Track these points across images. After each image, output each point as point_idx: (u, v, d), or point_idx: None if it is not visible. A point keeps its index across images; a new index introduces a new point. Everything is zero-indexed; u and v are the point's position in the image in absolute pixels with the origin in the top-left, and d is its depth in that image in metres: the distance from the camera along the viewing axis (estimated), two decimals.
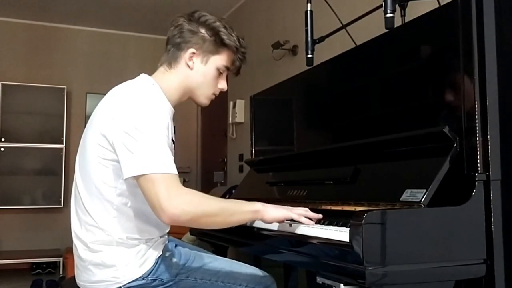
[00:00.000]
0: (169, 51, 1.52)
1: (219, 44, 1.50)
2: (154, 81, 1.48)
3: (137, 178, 1.29)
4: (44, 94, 5.20)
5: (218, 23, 1.50)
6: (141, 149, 1.29)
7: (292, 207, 1.45)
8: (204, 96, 1.55)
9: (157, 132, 1.32)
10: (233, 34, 1.53)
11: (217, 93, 1.58)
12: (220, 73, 1.54)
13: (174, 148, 1.48)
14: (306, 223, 1.41)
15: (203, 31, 1.49)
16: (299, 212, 1.43)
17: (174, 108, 1.52)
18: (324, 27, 2.22)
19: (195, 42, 1.48)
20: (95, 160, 1.39)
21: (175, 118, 1.54)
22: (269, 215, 1.40)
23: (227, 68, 1.55)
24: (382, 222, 1.15)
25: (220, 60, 1.52)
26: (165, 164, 1.29)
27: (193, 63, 1.50)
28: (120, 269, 1.38)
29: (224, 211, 1.36)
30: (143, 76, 1.51)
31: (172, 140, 1.46)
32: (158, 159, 1.28)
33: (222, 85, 1.57)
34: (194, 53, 1.49)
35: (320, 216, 1.45)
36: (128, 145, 1.30)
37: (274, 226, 1.55)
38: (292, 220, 1.44)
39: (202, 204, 1.32)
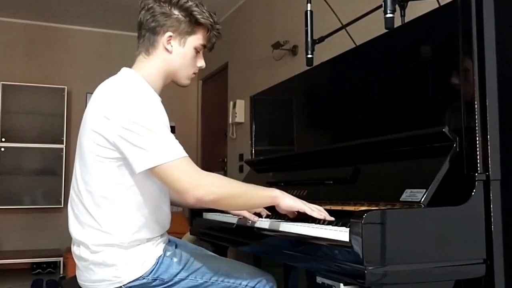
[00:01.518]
0: (143, 36, 1.51)
1: (194, 24, 1.50)
2: (136, 73, 1.48)
3: (151, 169, 1.31)
4: (44, 94, 5.20)
5: (190, 3, 1.50)
6: (148, 141, 1.30)
7: (307, 203, 1.47)
8: (185, 77, 1.56)
9: (156, 120, 1.34)
10: (205, 11, 1.53)
11: (197, 71, 1.59)
12: (197, 52, 1.55)
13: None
14: (319, 216, 1.44)
15: (176, 12, 1.48)
16: (312, 207, 1.45)
17: (160, 95, 1.52)
18: (324, 27, 2.22)
19: (171, 25, 1.48)
20: (95, 160, 1.39)
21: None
22: (285, 202, 1.44)
23: (204, 46, 1.56)
24: (382, 222, 1.15)
25: (197, 39, 1.52)
26: (175, 150, 1.32)
27: (171, 46, 1.49)
28: (121, 268, 1.38)
29: (245, 194, 1.41)
30: (124, 70, 1.50)
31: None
32: (168, 147, 1.31)
33: (201, 63, 1.57)
34: (171, 36, 1.48)
35: (332, 218, 1.45)
36: (133, 140, 1.31)
37: (275, 226, 1.55)
38: (305, 213, 1.45)
39: (226, 186, 1.38)
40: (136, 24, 1.53)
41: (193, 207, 2.08)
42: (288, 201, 1.44)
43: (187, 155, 1.34)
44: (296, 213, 1.50)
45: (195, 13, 1.49)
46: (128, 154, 1.33)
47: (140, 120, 1.32)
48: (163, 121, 1.36)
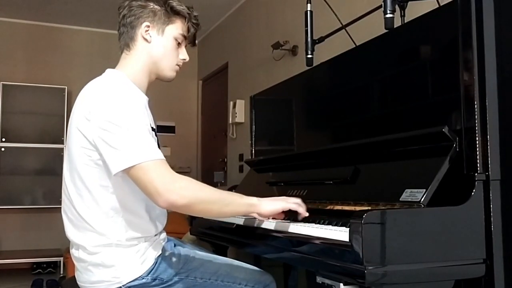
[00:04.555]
0: (123, 33, 1.53)
1: (170, 13, 1.51)
2: (120, 72, 1.49)
3: (127, 171, 1.29)
4: (44, 94, 5.20)
5: None
6: (124, 142, 1.29)
7: (288, 197, 1.47)
8: (169, 68, 1.55)
9: (134, 122, 1.32)
10: (181, 3, 1.55)
11: (180, 64, 1.58)
12: (178, 43, 1.55)
13: (156, 135, 1.49)
14: (303, 213, 1.45)
15: (151, 4, 1.50)
16: (296, 202, 1.46)
17: (149, 94, 1.52)
18: (324, 27, 2.22)
19: (147, 16, 1.50)
20: (82, 162, 1.38)
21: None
22: (265, 209, 1.42)
23: (184, 37, 1.56)
24: (382, 222, 1.15)
25: (175, 29, 1.52)
26: (151, 151, 1.29)
27: (150, 36, 1.50)
28: (119, 268, 1.38)
29: (220, 200, 1.37)
30: (108, 71, 1.51)
31: (152, 127, 1.46)
32: (143, 148, 1.29)
33: (183, 55, 1.57)
34: (148, 26, 1.50)
35: (307, 214, 1.48)
36: (108, 141, 1.30)
37: (274, 226, 1.56)
38: (285, 212, 1.46)
39: (199, 190, 1.34)
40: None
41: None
42: (267, 207, 1.42)
43: (163, 158, 1.31)
44: (283, 214, 1.49)
45: (170, 2, 1.51)
46: (104, 154, 1.32)
47: (117, 120, 1.31)
48: (141, 121, 1.34)
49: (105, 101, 1.35)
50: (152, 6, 1.50)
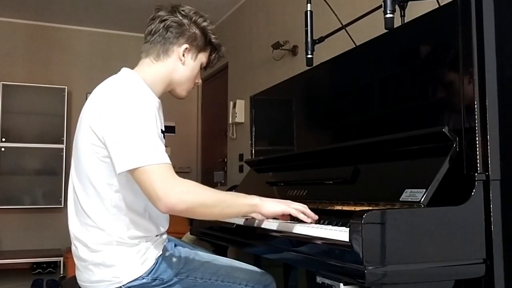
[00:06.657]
0: (157, 42, 1.53)
1: (207, 42, 1.59)
2: (137, 74, 1.50)
3: (131, 171, 1.30)
4: (44, 94, 5.20)
5: (205, 23, 1.58)
6: (132, 142, 1.30)
7: (291, 201, 1.46)
8: (186, 90, 1.62)
9: (145, 123, 1.33)
10: (217, 35, 1.62)
11: (194, 86, 1.66)
12: (200, 68, 1.62)
13: (164, 138, 1.50)
14: (304, 220, 1.43)
15: (194, 27, 1.55)
16: (298, 208, 1.44)
17: (159, 98, 1.54)
18: (324, 27, 2.22)
19: (188, 38, 1.54)
20: (89, 159, 1.39)
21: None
22: (267, 209, 1.41)
23: (207, 65, 1.64)
24: (382, 222, 1.15)
25: (204, 56, 1.61)
26: (157, 155, 1.30)
27: (184, 58, 1.54)
28: (120, 268, 1.38)
29: (221, 203, 1.37)
30: (124, 70, 1.52)
31: (162, 131, 1.48)
32: (150, 151, 1.30)
33: (199, 79, 1.65)
34: (187, 48, 1.54)
35: (316, 217, 1.45)
36: (118, 140, 1.31)
37: (274, 226, 1.56)
38: (290, 215, 1.44)
39: (200, 194, 1.34)
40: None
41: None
42: (269, 207, 1.41)
43: (169, 162, 1.32)
44: (283, 216, 1.47)
45: (209, 33, 1.58)
46: (111, 153, 1.33)
47: (128, 119, 1.31)
48: (151, 124, 1.35)
49: (118, 100, 1.36)
50: (194, 31, 1.55)
